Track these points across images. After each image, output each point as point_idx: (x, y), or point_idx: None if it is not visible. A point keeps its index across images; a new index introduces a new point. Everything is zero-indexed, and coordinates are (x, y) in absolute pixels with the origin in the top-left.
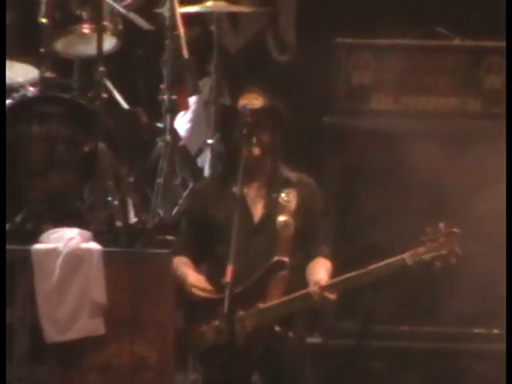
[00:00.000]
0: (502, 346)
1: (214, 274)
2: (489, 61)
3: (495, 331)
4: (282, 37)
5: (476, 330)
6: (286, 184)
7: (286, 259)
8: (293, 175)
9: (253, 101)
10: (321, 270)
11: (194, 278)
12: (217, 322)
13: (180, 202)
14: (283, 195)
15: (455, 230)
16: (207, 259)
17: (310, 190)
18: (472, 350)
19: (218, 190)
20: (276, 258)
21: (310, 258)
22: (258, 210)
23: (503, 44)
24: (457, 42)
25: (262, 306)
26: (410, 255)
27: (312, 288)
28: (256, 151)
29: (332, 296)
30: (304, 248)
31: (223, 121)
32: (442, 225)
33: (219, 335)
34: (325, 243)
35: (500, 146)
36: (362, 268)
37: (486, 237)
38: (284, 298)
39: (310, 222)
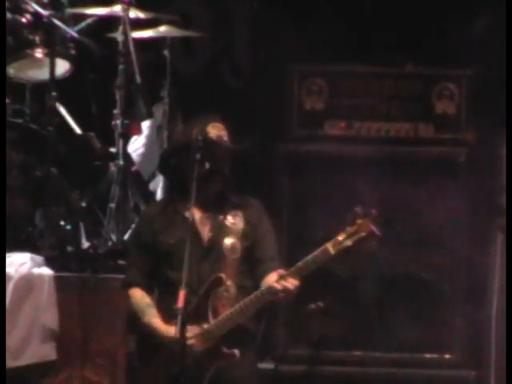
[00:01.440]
0: (454, 372)
1: (165, 300)
2: (440, 87)
3: (447, 356)
4: (235, 62)
5: (427, 356)
6: (232, 207)
7: (224, 275)
8: (237, 198)
9: (221, 132)
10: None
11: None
12: (170, 348)
13: (132, 226)
14: (229, 218)
15: (372, 211)
16: (157, 284)
17: (255, 211)
18: (423, 376)
19: (167, 215)
20: (214, 276)
21: (261, 275)
22: (205, 233)
23: (454, 71)
24: (409, 68)
25: (206, 326)
26: (332, 244)
27: (263, 288)
28: (207, 176)
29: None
30: (254, 268)
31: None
32: (358, 208)
33: (172, 361)
34: (275, 260)
35: (451, 170)
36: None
37: (437, 260)
38: (225, 313)
39: (258, 243)
